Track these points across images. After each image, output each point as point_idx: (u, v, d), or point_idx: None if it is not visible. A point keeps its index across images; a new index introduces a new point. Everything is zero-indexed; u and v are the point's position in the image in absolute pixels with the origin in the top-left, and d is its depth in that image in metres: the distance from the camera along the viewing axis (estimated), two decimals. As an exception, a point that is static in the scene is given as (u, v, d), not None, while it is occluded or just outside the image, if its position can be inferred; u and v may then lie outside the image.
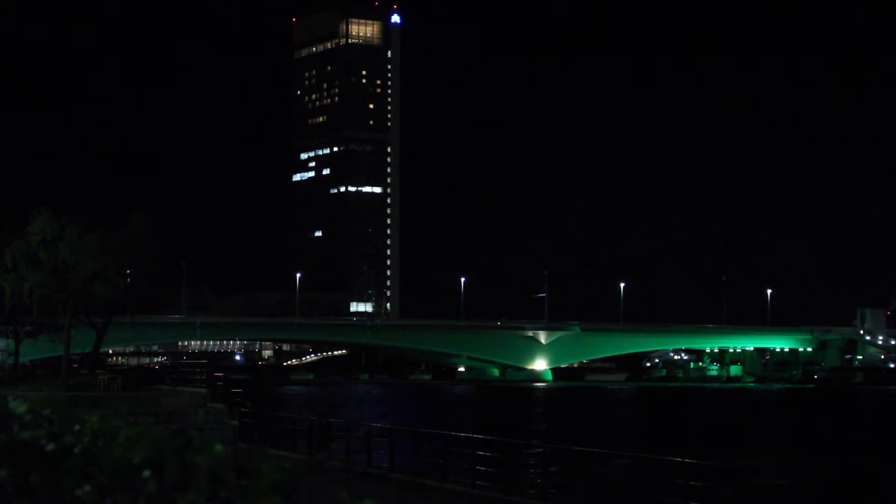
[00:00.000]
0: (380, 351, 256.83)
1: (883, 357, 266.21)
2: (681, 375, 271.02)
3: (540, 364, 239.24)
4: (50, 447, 5.14)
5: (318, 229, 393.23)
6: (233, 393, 64.39)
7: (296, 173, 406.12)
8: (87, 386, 72.63)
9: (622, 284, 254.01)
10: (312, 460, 42.09)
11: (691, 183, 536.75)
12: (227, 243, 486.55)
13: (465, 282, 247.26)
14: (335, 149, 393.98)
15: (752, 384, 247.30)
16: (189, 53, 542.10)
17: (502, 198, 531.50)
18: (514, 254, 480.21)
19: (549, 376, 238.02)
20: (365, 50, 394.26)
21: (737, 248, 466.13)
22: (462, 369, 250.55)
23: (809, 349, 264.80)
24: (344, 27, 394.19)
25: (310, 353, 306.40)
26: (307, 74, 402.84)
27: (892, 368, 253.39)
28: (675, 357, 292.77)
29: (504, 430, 60.57)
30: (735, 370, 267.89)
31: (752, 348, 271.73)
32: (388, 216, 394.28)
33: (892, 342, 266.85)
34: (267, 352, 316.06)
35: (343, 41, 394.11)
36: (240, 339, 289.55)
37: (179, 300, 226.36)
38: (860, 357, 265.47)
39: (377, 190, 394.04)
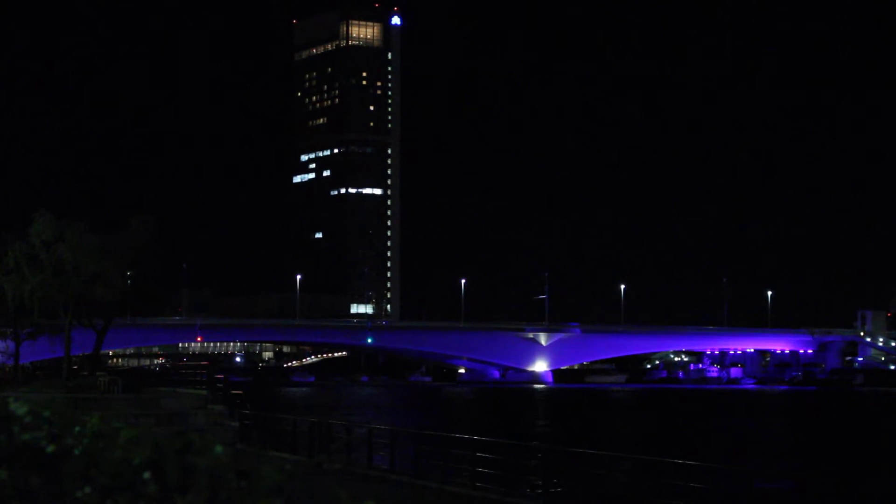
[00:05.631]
0: (380, 352, 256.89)
1: (883, 359, 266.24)
2: (681, 377, 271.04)
3: (540, 366, 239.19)
4: (50, 449, 5.15)
5: (319, 231, 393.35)
6: (233, 394, 64.39)
7: (296, 175, 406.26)
8: (87, 387, 72.59)
9: (622, 286, 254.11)
10: (312, 462, 42.11)
11: (691, 183, 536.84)
12: (228, 244, 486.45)
13: (465, 283, 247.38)
14: (335, 150, 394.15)
15: (752, 386, 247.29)
16: (189, 54, 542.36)
17: (502, 198, 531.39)
18: (514, 255, 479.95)
19: (550, 379, 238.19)
20: (365, 51, 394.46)
21: (737, 248, 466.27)
22: (462, 371, 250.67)
23: (810, 351, 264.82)
24: (344, 29, 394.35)
25: (310, 355, 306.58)
26: (307, 76, 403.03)
27: (892, 370, 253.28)
28: (676, 359, 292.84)
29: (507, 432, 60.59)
30: (736, 372, 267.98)
31: (752, 350, 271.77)
32: (389, 217, 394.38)
33: (893, 344, 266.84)
34: (267, 353, 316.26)
35: (343, 43, 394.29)
36: (240, 341, 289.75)
37: (180, 302, 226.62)
38: (861, 359, 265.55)
39: (377, 191, 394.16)
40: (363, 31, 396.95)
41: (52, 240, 78.26)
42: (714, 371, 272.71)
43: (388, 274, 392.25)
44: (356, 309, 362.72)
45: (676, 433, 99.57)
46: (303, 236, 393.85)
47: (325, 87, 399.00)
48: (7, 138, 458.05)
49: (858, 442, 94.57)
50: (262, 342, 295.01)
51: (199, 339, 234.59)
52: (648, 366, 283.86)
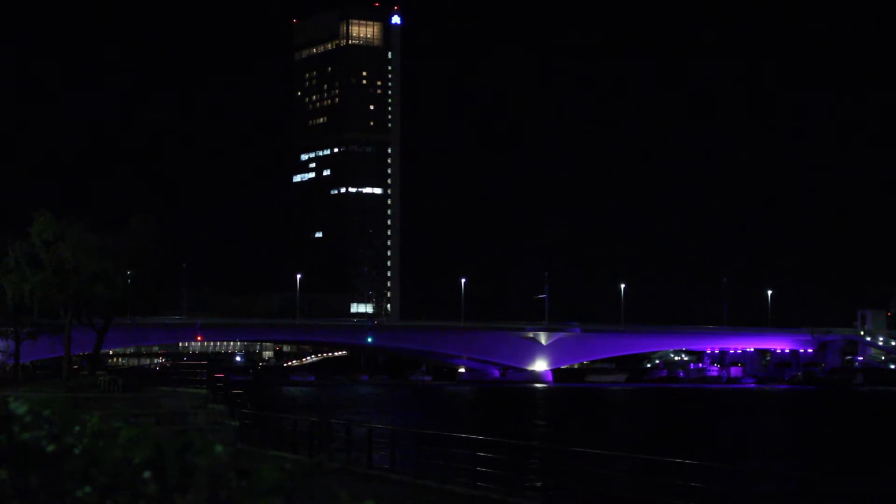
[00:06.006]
0: (380, 352, 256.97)
1: (883, 358, 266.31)
2: (682, 376, 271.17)
3: (540, 365, 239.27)
4: (50, 448, 5.14)
5: (319, 230, 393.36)
6: (233, 394, 64.33)
7: (296, 174, 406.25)
8: (87, 387, 72.60)
9: (622, 285, 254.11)
10: (313, 461, 42.11)
11: (691, 183, 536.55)
12: (228, 244, 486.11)
13: (465, 283, 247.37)
14: (335, 150, 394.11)
15: (752, 385, 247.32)
16: (189, 54, 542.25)
17: (502, 198, 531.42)
18: (514, 254, 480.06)
19: (550, 378, 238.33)
20: (365, 51, 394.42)
21: (737, 248, 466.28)
22: (462, 370, 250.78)
23: (810, 350, 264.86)
24: (344, 28, 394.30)
25: (310, 354, 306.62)
26: (307, 75, 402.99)
27: (892, 369, 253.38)
28: (676, 358, 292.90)
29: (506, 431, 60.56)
30: (736, 371, 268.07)
31: (752, 349, 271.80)
32: (389, 217, 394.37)
33: (893, 343, 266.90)
34: (267, 353, 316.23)
35: (343, 42, 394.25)
36: (240, 340, 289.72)
37: (180, 301, 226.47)
38: (861, 358, 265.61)
39: (377, 191, 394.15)
40: (363, 31, 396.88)
41: (53, 239, 78.28)
42: (714, 370, 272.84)
43: (388, 273, 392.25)
44: (356, 308, 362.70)
45: (676, 432, 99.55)
46: (303, 236, 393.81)
47: (325, 86, 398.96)
48: (8, 138, 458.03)
49: (858, 441, 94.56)
50: (262, 341, 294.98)
51: (199, 338, 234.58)
52: (648, 365, 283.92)
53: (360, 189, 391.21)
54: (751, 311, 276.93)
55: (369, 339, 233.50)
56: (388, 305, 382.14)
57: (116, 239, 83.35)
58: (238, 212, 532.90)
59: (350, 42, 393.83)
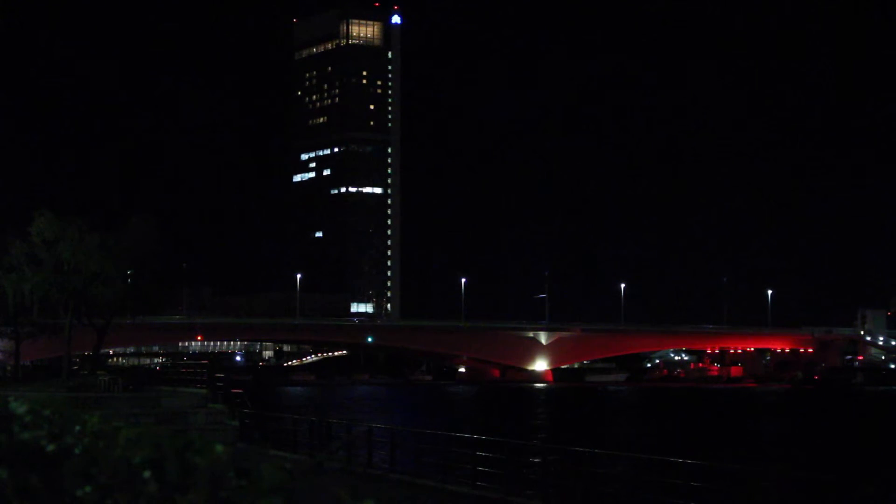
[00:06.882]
0: (380, 351, 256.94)
1: (883, 357, 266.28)
2: (682, 376, 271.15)
3: (541, 364, 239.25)
4: (50, 448, 5.15)
5: (319, 230, 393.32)
6: (233, 394, 64.28)
7: (296, 174, 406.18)
8: (87, 386, 72.46)
9: (622, 285, 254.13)
10: (313, 461, 42.12)
11: (691, 183, 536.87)
12: (227, 243, 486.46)
13: (465, 282, 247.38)
14: (336, 149, 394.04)
15: (752, 385, 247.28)
16: (190, 54, 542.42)
17: (502, 198, 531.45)
18: (514, 254, 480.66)
19: (550, 377, 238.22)
20: (365, 50, 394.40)
21: (737, 248, 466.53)
22: (462, 370, 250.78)
23: (810, 350, 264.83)
24: (344, 28, 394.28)
25: (310, 354, 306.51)
26: (308, 75, 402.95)
27: (892, 369, 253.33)
28: (676, 358, 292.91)
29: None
30: (736, 371, 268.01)
31: (752, 349, 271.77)
32: (389, 217, 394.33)
33: (893, 343, 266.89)
34: (267, 352, 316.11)
35: (343, 42, 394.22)
36: (240, 340, 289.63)
37: (180, 301, 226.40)
38: (861, 358, 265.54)
39: (378, 190, 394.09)
40: (363, 30, 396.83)
41: (53, 238, 78.23)
42: (714, 370, 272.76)
43: (389, 273, 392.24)
44: (356, 308, 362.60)
45: (676, 432, 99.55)
46: (303, 235, 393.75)
47: (326, 85, 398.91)
48: (7, 137, 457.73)
49: (858, 441, 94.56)
50: (262, 341, 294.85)
51: (199, 338, 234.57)
52: (648, 365, 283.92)
53: (360, 189, 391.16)
54: (751, 311, 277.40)
55: (369, 339, 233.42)
56: (388, 305, 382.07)
57: (116, 239, 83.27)
58: (238, 211, 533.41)
59: (350, 42, 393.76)
